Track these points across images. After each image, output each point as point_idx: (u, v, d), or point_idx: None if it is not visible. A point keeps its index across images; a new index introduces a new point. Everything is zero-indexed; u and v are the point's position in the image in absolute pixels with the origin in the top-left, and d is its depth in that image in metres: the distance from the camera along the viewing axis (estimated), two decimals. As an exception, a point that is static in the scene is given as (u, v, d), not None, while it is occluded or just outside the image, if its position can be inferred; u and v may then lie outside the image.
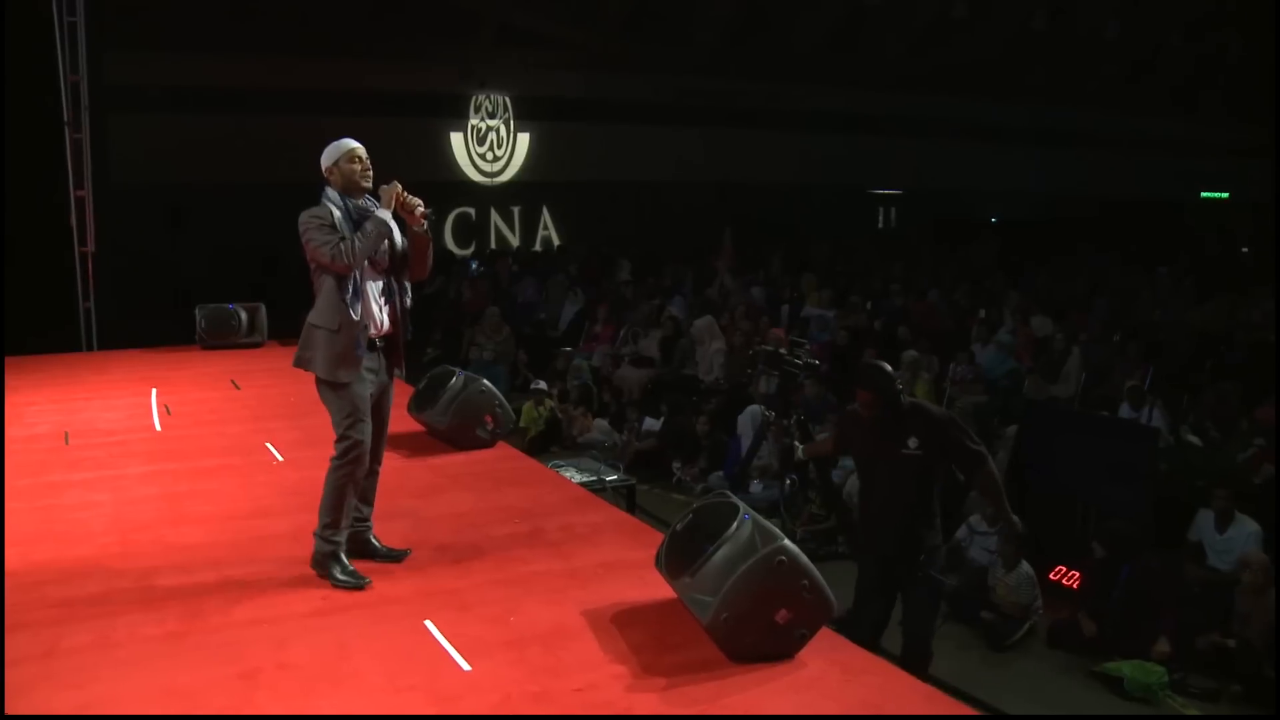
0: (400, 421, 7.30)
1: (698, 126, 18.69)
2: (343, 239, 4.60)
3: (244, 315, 10.32)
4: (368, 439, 4.77)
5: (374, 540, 5.05)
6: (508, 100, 17.98)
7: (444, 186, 17.38)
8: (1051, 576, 7.46)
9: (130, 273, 12.41)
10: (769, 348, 6.88)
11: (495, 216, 18.35)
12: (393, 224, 4.78)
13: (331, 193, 4.77)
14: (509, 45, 16.94)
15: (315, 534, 4.81)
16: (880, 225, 22.76)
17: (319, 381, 4.78)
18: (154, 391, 8.43)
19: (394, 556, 5.01)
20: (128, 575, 4.84)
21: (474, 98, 17.72)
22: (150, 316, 11.11)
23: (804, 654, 4.12)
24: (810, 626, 4.15)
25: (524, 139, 18.21)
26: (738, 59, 18.38)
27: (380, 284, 4.85)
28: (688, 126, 18.62)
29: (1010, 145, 21.50)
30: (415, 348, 12.17)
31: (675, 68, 18.12)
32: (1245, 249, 20.61)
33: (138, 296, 11.99)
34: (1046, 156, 21.91)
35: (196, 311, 10.23)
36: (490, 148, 18.07)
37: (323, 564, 4.79)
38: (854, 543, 7.37)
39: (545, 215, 18.81)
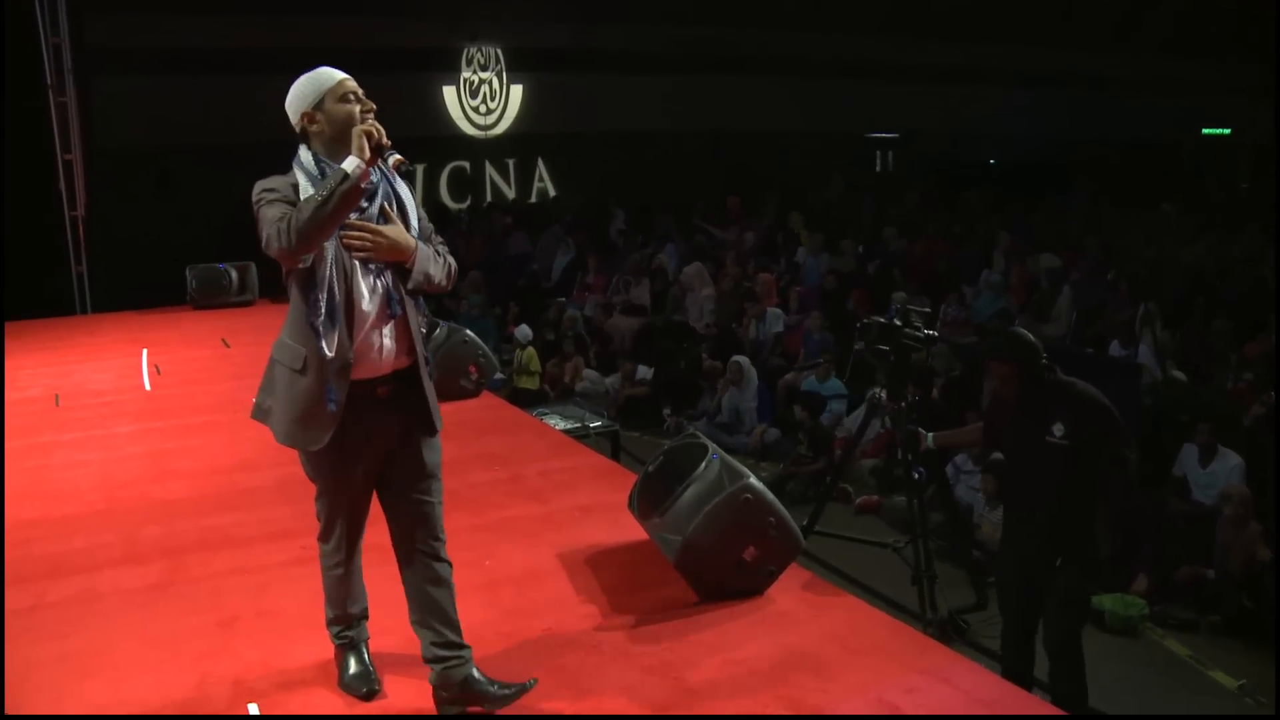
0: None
1: (691, 74, 18.56)
2: (279, 218, 2.98)
3: (234, 274, 10.38)
4: (350, 535, 3.45)
5: (476, 674, 3.37)
6: (499, 52, 17.87)
7: (438, 141, 17.33)
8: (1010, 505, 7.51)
9: (122, 235, 12.46)
10: (880, 320, 5.98)
11: (490, 169, 18.29)
12: (397, 185, 3.22)
13: (305, 155, 3.14)
14: (500, -2, 16.85)
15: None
16: (878, 169, 22.66)
17: None
18: (144, 352, 8.51)
19: (509, 697, 3.37)
20: (112, 530, 4.94)
21: (465, 50, 17.61)
22: (142, 279, 11.15)
23: (773, 590, 4.21)
24: (778, 563, 4.22)
25: (517, 91, 18.11)
26: (730, 4, 18.24)
27: (379, 290, 3.18)
28: (681, 74, 18.49)
29: (1008, 87, 21.33)
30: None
31: (667, 16, 17.98)
32: (1245, 185, 20.52)
33: (130, 259, 12.03)
34: (1044, 97, 21.72)
35: (187, 272, 10.29)
36: (483, 100, 17.98)
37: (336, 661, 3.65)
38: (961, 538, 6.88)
39: (540, 167, 18.75)
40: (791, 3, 18.46)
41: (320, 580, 3.66)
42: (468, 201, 18.01)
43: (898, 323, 5.85)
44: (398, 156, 3.14)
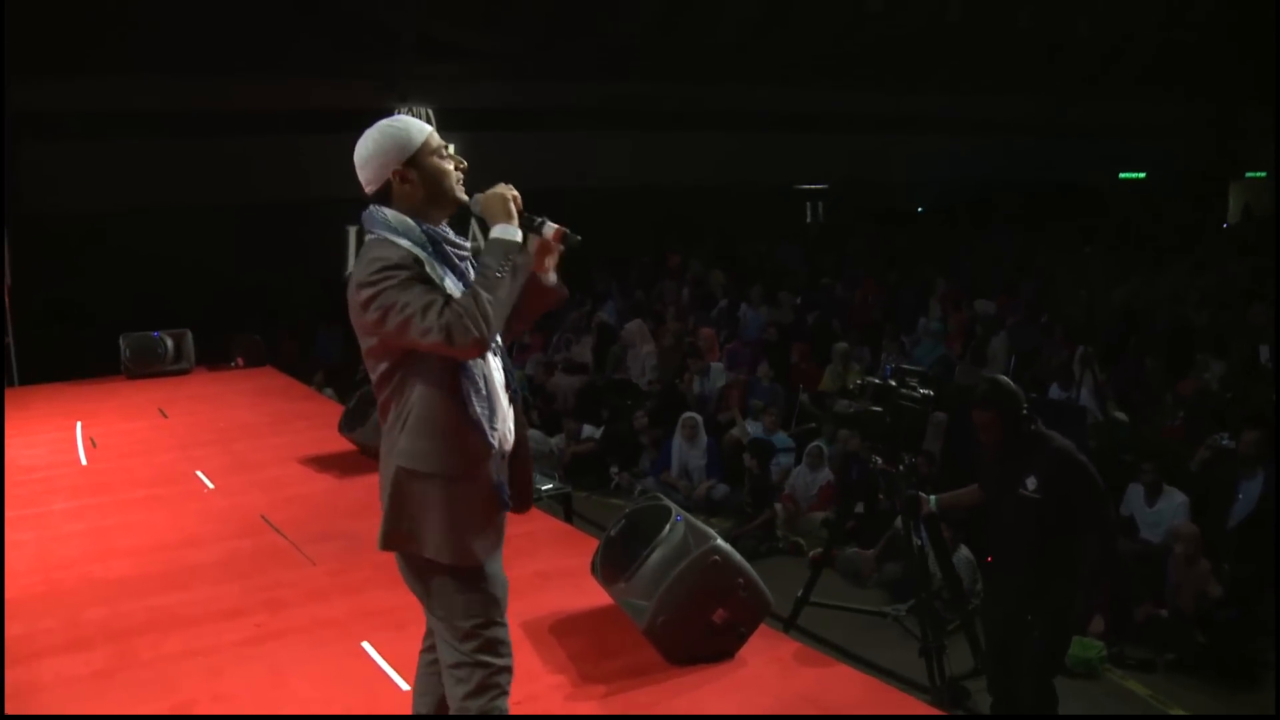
0: (332, 441, 7.25)
1: (623, 130, 18.67)
2: (448, 299, 2.60)
3: (170, 342, 10.15)
4: (510, 655, 2.90)
5: None
6: (430, 113, 17.77)
7: (369, 203, 17.15)
8: (990, 559, 7.52)
9: (51, 304, 12.17)
10: (875, 380, 5.74)
11: (422, 230, 18.15)
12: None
13: (393, 217, 2.73)
14: (430, 57, 16.80)
15: None
16: (808, 220, 22.89)
17: (415, 564, 2.81)
18: (79, 425, 8.26)
19: None
20: (53, 614, 4.72)
21: (396, 111, 17.54)
22: (74, 348, 10.86)
23: (743, 652, 4.15)
24: (748, 624, 4.17)
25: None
26: (658, 61, 18.40)
27: (502, 368, 2.87)
28: (612, 131, 18.60)
29: (932, 134, 21.73)
30: (347, 365, 12.15)
31: (597, 73, 18.08)
32: (1162, 222, 21.10)
33: (60, 328, 11.73)
34: (967, 144, 22.17)
35: (121, 341, 10.03)
36: (415, 162, 17.88)
37: None
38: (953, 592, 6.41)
39: (474, 226, 18.64)
40: (720, 57, 18.69)
41: (278, 659, 3.54)
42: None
43: (893, 383, 5.61)
44: (556, 227, 2.82)
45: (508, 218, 2.72)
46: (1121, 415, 8.85)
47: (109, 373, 10.12)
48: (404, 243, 2.68)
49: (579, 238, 2.83)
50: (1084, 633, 5.73)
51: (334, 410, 8.18)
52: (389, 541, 2.77)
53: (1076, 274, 14.72)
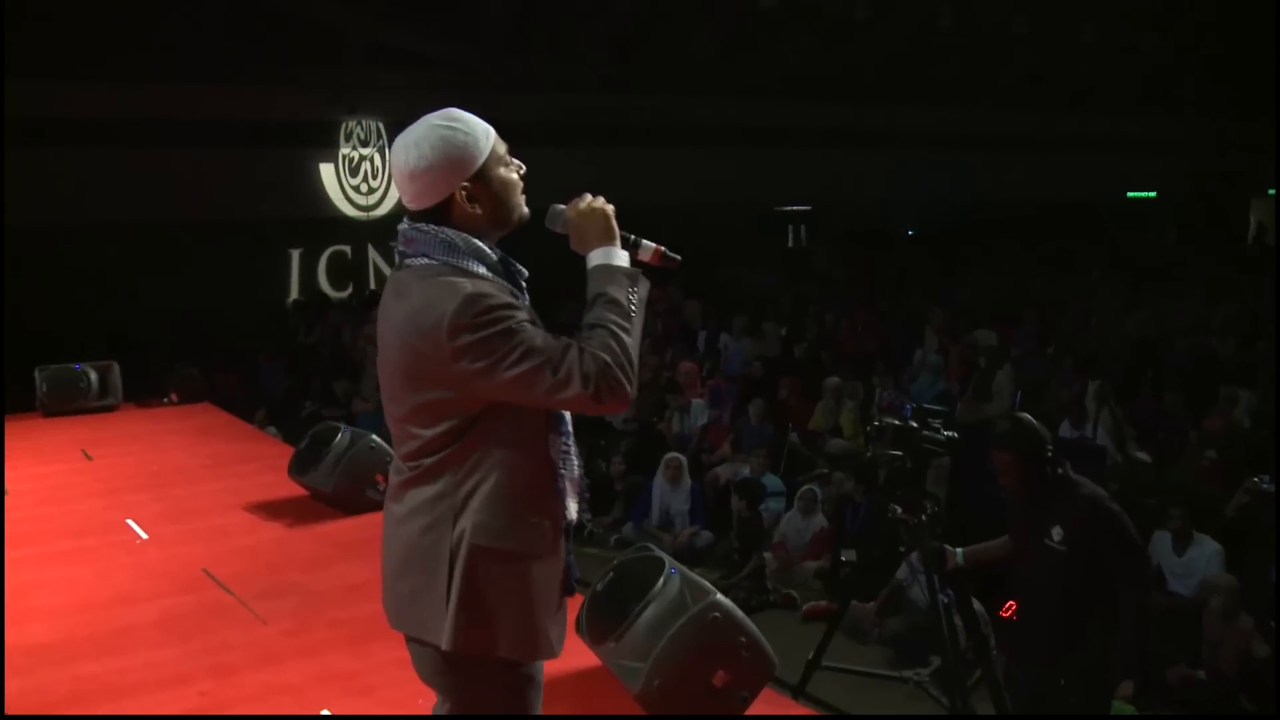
0: (281, 486, 7.11)
1: (590, 146, 18.68)
2: (578, 347, 2.35)
3: (93, 376, 9.89)
4: None
5: None
6: (381, 126, 17.77)
7: (315, 223, 17.10)
8: (1003, 613, 7.45)
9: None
10: (895, 421, 5.63)
11: (374, 254, 18.07)
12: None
13: (457, 238, 2.44)
14: (381, 66, 16.77)
15: None
16: (790, 244, 22.97)
17: (465, 662, 2.47)
18: (-14, 470, 8.05)
19: None
20: (-38, 686, 4.55)
21: (344, 124, 17.49)
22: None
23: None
24: (751, 687, 4.09)
25: (401, 168, 18.00)
26: (630, 73, 18.46)
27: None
28: (580, 146, 18.60)
29: (921, 150, 21.88)
30: (292, 401, 11.98)
31: (564, 84, 18.11)
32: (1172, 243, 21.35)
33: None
34: (959, 161, 22.34)
35: (36, 374, 9.80)
36: (364, 179, 17.84)
37: None
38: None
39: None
40: (696, 69, 18.77)
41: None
42: (349, 290, 17.75)
43: (914, 424, 5.45)
44: (655, 246, 2.59)
45: (611, 239, 2.49)
46: (1143, 455, 8.84)
47: (22, 409, 9.87)
48: (483, 271, 2.42)
49: (678, 257, 2.63)
50: (1113, 694, 5.67)
51: (282, 451, 8.04)
52: (463, 642, 2.41)
53: (1084, 300, 14.79)
